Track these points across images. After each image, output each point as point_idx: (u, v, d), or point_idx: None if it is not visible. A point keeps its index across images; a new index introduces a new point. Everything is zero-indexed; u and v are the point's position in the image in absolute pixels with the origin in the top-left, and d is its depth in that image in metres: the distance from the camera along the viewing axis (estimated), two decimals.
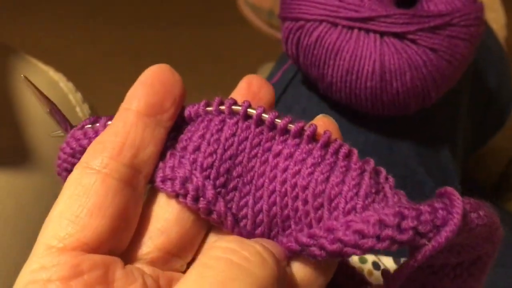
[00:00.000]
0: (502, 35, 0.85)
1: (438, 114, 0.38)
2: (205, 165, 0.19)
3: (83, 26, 1.69)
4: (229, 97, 0.21)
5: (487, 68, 0.48)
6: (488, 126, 0.50)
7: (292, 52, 0.35)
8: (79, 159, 0.20)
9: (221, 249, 0.17)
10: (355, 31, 0.32)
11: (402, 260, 0.33)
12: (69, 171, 0.21)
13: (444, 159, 0.38)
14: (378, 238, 0.16)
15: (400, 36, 0.32)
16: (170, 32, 1.70)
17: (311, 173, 0.18)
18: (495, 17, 0.80)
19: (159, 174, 0.19)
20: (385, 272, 0.22)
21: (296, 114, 0.38)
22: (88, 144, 0.20)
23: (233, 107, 0.20)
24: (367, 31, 0.32)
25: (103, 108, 1.46)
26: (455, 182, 0.38)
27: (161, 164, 0.20)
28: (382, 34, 0.32)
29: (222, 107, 0.20)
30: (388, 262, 0.34)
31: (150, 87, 0.20)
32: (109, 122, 0.21)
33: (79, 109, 0.47)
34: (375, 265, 0.34)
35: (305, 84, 0.39)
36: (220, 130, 0.20)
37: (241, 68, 1.58)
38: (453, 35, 0.33)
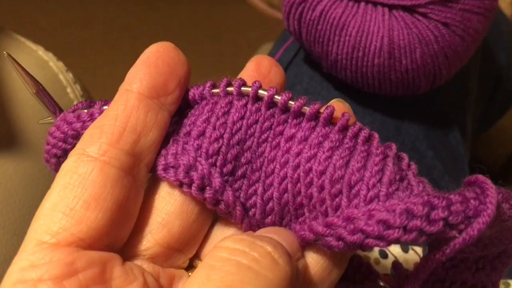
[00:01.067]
0: (509, 12, 0.83)
1: (447, 94, 0.36)
2: (210, 152, 0.17)
3: (79, 5, 1.66)
4: (238, 77, 0.19)
5: (496, 46, 0.46)
6: (497, 106, 0.49)
7: (294, 28, 0.33)
8: (70, 144, 0.18)
9: (228, 250, 0.15)
10: (362, 4, 0.30)
11: (411, 248, 0.31)
12: (59, 157, 0.19)
13: (454, 141, 0.36)
14: (405, 229, 0.14)
15: (410, 9, 0.30)
16: (168, 11, 1.67)
17: (329, 158, 0.17)
18: None
19: (161, 161, 0.18)
20: (397, 266, 0.20)
21: (298, 94, 0.36)
22: (82, 128, 0.19)
23: (243, 88, 0.18)
24: (375, 4, 0.30)
25: (99, 89, 1.43)
26: (465, 166, 0.37)
27: (163, 151, 0.18)
28: (391, 7, 0.30)
29: (230, 89, 0.18)
30: (395, 250, 0.33)
31: (153, 66, 0.18)
32: (105, 107, 0.19)
33: (70, 89, 0.45)
34: (382, 253, 0.32)
35: (308, 63, 0.37)
36: (227, 113, 0.18)
37: (241, 48, 1.56)
38: (466, 9, 0.30)
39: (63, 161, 0.17)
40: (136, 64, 0.18)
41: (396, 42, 0.30)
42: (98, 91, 1.44)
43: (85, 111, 0.19)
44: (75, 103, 0.43)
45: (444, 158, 0.35)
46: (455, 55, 0.31)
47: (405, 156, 0.17)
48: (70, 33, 1.55)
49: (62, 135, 0.19)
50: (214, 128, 0.18)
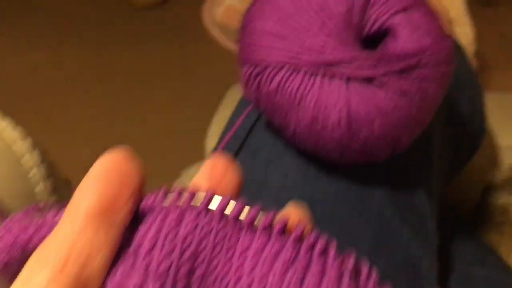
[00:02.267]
0: (470, 50, 0.84)
1: (411, 155, 0.36)
2: (160, 270, 0.16)
3: (47, 48, 1.64)
4: (191, 184, 0.18)
5: (458, 94, 0.46)
6: (462, 153, 0.49)
7: (252, 98, 0.32)
8: (17, 256, 0.17)
9: None
10: (319, 77, 0.30)
11: None
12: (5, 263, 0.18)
13: (420, 203, 0.36)
14: None
15: (367, 80, 0.30)
16: (138, 49, 1.66)
17: (283, 274, 0.16)
18: (463, 31, 0.79)
19: (110, 282, 0.16)
20: None
21: (260, 163, 0.35)
22: (28, 242, 0.17)
23: (193, 200, 0.17)
24: (332, 77, 0.29)
25: (68, 133, 1.39)
26: (432, 228, 0.36)
27: (114, 268, 0.16)
28: (348, 79, 0.30)
29: (182, 198, 0.17)
30: None
31: (103, 182, 0.17)
32: (58, 217, 0.17)
33: (28, 156, 0.43)
34: None
35: (270, 128, 0.36)
36: (177, 226, 0.17)
37: (213, 84, 1.55)
38: (423, 77, 0.30)
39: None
40: (85, 179, 0.17)
41: (354, 115, 0.29)
42: (67, 135, 1.41)
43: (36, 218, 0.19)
44: (33, 171, 0.41)
45: (410, 221, 0.35)
46: (414, 123, 0.31)
47: (364, 266, 0.16)
48: (38, 77, 1.54)
49: (7, 247, 0.18)
50: (164, 244, 0.17)
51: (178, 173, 0.89)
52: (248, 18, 0.32)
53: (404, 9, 0.31)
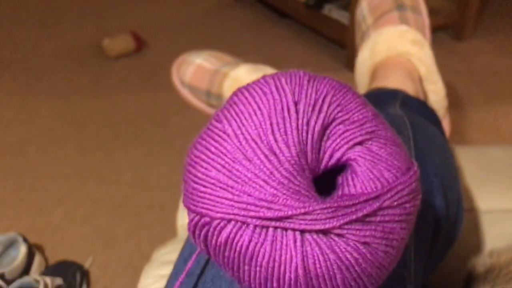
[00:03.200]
0: (443, 105, 0.83)
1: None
2: None
3: (17, 104, 1.61)
4: None
5: (431, 191, 0.44)
6: (438, 250, 0.46)
7: (201, 248, 0.29)
8: None
9: None
10: (270, 230, 0.27)
11: None
12: None
13: None
14: None
15: (324, 232, 0.27)
16: (112, 98, 1.64)
17: None
18: (435, 89, 0.78)
19: None
20: None
21: None
22: None
23: None
24: (284, 229, 0.27)
25: (41, 191, 1.34)
26: None
27: None
28: (303, 231, 0.27)
29: None
30: None
31: None
32: None
33: None
34: None
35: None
36: None
37: (189, 132, 1.53)
38: (386, 220, 0.28)
39: None
40: None
41: (313, 271, 0.27)
42: (39, 194, 1.38)
43: None
44: None
45: None
46: (381, 270, 0.28)
47: None
48: (12, 133, 1.50)
49: None
50: None
51: (150, 252, 0.85)
52: (191, 161, 0.29)
53: (362, 142, 0.29)
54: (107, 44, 1.76)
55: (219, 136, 0.29)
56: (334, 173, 0.30)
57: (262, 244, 0.27)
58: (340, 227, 0.27)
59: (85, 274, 1.08)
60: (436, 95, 0.79)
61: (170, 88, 0.99)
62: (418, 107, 0.66)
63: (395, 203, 0.28)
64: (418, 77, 0.78)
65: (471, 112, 1.47)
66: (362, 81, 0.82)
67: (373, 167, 0.29)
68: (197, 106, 0.97)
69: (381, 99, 0.66)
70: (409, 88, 0.73)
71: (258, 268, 0.27)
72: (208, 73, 0.93)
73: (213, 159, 0.28)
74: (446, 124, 0.83)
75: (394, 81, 0.73)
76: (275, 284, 0.27)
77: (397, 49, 0.77)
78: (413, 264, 0.38)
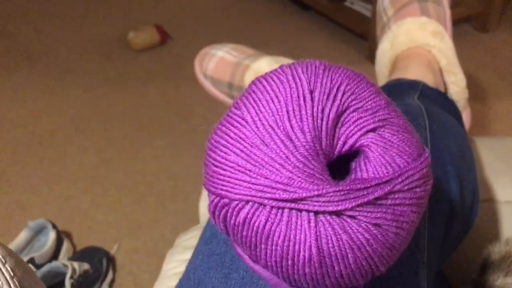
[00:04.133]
0: (463, 96, 0.84)
1: (394, 271, 0.35)
2: None
3: (46, 95, 1.65)
4: None
5: (445, 176, 0.45)
6: (452, 240, 0.47)
7: (221, 228, 0.31)
8: None
9: None
10: (286, 211, 0.29)
11: None
12: None
13: None
14: None
15: (337, 213, 0.29)
16: (137, 91, 1.66)
17: None
18: (455, 80, 0.78)
19: None
20: None
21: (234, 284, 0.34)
22: None
23: None
24: (299, 210, 0.28)
25: (71, 182, 1.39)
26: None
27: None
28: (317, 213, 0.29)
29: None
30: None
31: None
32: None
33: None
34: None
35: None
36: None
37: (211, 124, 1.56)
38: (397, 203, 0.29)
39: None
40: None
41: (326, 250, 0.28)
42: (68, 183, 1.41)
43: None
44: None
45: None
46: (391, 251, 0.30)
47: None
48: (42, 123, 1.54)
49: None
50: None
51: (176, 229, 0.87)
52: (211, 146, 0.31)
53: (375, 129, 0.30)
54: (132, 37, 1.79)
55: (238, 122, 0.30)
56: (347, 159, 0.32)
57: (278, 224, 0.28)
58: (352, 209, 0.28)
59: (111, 260, 1.12)
60: (456, 87, 0.79)
61: (193, 80, 1.02)
62: (437, 98, 0.66)
63: (406, 187, 0.29)
64: (439, 69, 0.78)
65: (495, 104, 1.45)
66: (382, 72, 0.83)
67: (385, 153, 0.30)
68: (219, 98, 0.99)
69: (400, 89, 0.67)
70: (429, 79, 0.73)
71: (274, 247, 0.29)
72: (230, 65, 0.94)
73: (232, 144, 0.30)
74: (466, 115, 0.83)
75: (414, 73, 0.74)
76: (289, 262, 0.29)
77: (417, 40, 0.78)
78: (427, 249, 0.39)
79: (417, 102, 0.56)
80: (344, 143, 0.31)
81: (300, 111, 0.30)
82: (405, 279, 0.36)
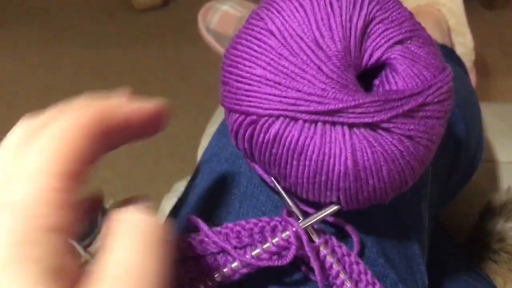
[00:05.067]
0: (470, 58, 0.83)
1: (401, 201, 0.34)
2: None
3: (44, 50, 1.63)
4: None
5: (455, 115, 0.44)
6: (456, 178, 0.46)
7: (244, 148, 0.30)
8: None
9: None
10: (319, 124, 0.27)
11: None
12: None
13: (407, 242, 0.34)
14: None
15: (372, 126, 0.28)
16: (137, 51, 1.64)
17: None
18: (463, 41, 0.77)
19: None
20: None
21: (234, 200, 0.33)
22: None
23: None
24: (333, 123, 0.27)
25: None
26: (421, 267, 0.34)
27: None
28: (351, 126, 0.27)
29: None
30: None
31: None
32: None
33: None
34: None
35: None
36: None
37: (210, 86, 1.54)
38: (428, 115, 0.28)
39: None
40: None
41: (361, 163, 0.27)
42: None
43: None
44: None
45: (397, 264, 0.33)
46: (421, 164, 0.29)
47: None
48: (38, 79, 1.52)
49: None
50: None
51: (171, 180, 0.87)
52: (232, 62, 0.29)
53: (402, 41, 0.29)
54: None
55: (262, 34, 0.29)
56: (369, 76, 0.30)
57: (312, 138, 0.27)
58: (387, 120, 0.27)
59: (106, 214, 1.11)
60: (463, 48, 0.78)
61: (194, 43, 1.00)
62: (445, 53, 0.65)
63: (436, 99, 0.29)
64: (447, 28, 0.77)
65: (499, 80, 1.44)
66: None
67: (413, 65, 0.29)
68: (221, 52, 0.98)
69: None
70: (437, 37, 0.72)
71: (307, 162, 0.28)
72: (233, 19, 0.93)
73: (257, 57, 0.28)
74: (472, 79, 0.83)
75: None
76: (323, 177, 0.28)
77: None
78: (430, 182, 0.39)
79: None
80: (371, 55, 0.29)
81: (328, 19, 0.28)
82: (409, 204, 0.36)
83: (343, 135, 0.27)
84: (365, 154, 0.27)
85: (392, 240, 0.34)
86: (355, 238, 0.31)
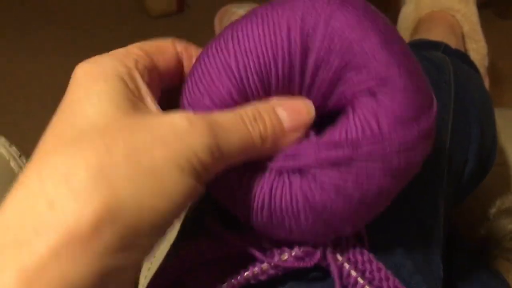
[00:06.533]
0: (483, 64, 0.83)
1: (418, 195, 0.35)
2: None
3: (62, 51, 1.66)
4: None
5: (466, 117, 0.45)
6: (471, 177, 0.47)
7: None
8: None
9: None
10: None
11: None
12: None
13: (427, 243, 0.34)
14: None
15: (300, 170, 0.27)
16: None
17: None
18: (476, 47, 0.78)
19: None
20: None
21: None
22: None
23: None
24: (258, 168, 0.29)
25: None
26: (436, 258, 0.35)
27: None
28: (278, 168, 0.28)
29: None
30: None
31: None
32: None
33: (14, 163, 0.44)
34: None
35: None
36: None
37: None
38: (362, 172, 0.26)
39: None
40: None
41: (276, 205, 0.28)
42: None
43: None
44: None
45: (414, 256, 0.33)
46: (356, 216, 0.28)
47: None
48: (56, 79, 1.55)
49: None
50: None
51: None
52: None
53: (370, 89, 0.26)
54: (149, 3, 1.78)
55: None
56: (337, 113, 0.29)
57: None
58: (312, 168, 0.27)
59: None
60: (477, 54, 0.79)
61: None
62: (459, 57, 0.66)
63: (375, 156, 0.26)
64: (461, 34, 0.78)
65: (510, 89, 1.44)
66: (404, 35, 0.82)
67: (369, 115, 0.26)
68: None
69: (422, 46, 0.66)
70: (451, 42, 0.73)
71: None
72: None
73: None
74: (485, 85, 0.83)
75: (436, 35, 0.74)
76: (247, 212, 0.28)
77: (442, 4, 0.77)
78: (446, 180, 0.39)
79: (441, 54, 0.56)
80: (334, 99, 0.29)
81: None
82: (426, 198, 0.36)
83: (269, 177, 0.28)
84: (282, 197, 0.27)
85: (409, 232, 0.34)
86: (365, 237, 0.31)
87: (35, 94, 1.48)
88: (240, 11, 0.95)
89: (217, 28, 0.97)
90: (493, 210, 0.50)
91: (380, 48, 0.26)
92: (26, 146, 1.34)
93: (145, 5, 1.81)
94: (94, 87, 0.23)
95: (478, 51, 0.79)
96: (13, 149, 0.45)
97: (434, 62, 0.47)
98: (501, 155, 0.71)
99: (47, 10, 1.87)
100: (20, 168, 0.44)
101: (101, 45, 1.68)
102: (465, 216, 0.56)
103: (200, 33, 1.72)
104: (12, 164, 0.44)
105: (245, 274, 0.30)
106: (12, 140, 0.63)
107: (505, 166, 0.69)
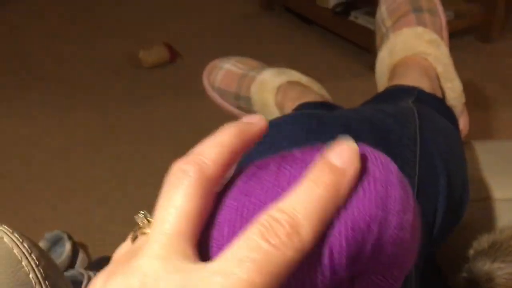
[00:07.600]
0: (461, 101, 0.87)
1: None
2: None
3: (59, 112, 1.70)
4: None
5: (435, 171, 0.48)
6: (442, 225, 0.50)
7: None
8: None
9: None
10: None
11: None
12: None
13: None
14: None
15: None
16: (146, 108, 1.71)
17: None
18: (452, 86, 0.82)
19: None
20: None
21: None
22: None
23: None
24: None
25: (80, 196, 1.42)
26: None
27: None
28: None
29: None
30: None
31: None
32: None
33: (25, 262, 0.46)
34: None
35: None
36: None
37: None
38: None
39: None
40: None
41: None
42: (80, 199, 1.43)
43: None
44: (31, 276, 0.44)
45: None
46: None
47: None
48: (51, 142, 1.58)
49: None
50: None
51: None
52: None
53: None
54: (143, 55, 1.85)
55: None
56: None
57: None
58: None
59: None
60: (453, 92, 0.83)
61: (203, 95, 1.05)
62: (432, 102, 0.69)
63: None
64: (435, 75, 0.82)
65: (499, 112, 1.48)
66: (382, 79, 0.86)
67: None
68: (226, 108, 1.03)
69: (396, 94, 0.70)
70: (425, 85, 0.77)
71: None
72: (236, 77, 0.99)
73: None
74: (464, 120, 0.86)
75: (411, 79, 0.77)
76: None
77: (414, 49, 0.81)
78: None
79: (410, 105, 0.59)
80: None
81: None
82: None
83: None
84: None
85: None
86: None
87: (35, 155, 1.51)
88: (226, 65, 1.00)
89: (206, 83, 1.02)
90: (471, 252, 0.53)
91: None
92: (34, 210, 1.35)
93: (138, 59, 1.87)
94: None
95: (454, 89, 0.82)
96: (15, 236, 0.47)
97: (398, 120, 0.50)
98: (485, 190, 0.74)
99: (44, 72, 1.93)
100: (24, 254, 0.46)
101: (99, 101, 1.74)
102: (448, 256, 0.58)
103: (193, 82, 1.77)
104: (16, 251, 0.46)
105: None
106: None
107: (489, 200, 0.72)
